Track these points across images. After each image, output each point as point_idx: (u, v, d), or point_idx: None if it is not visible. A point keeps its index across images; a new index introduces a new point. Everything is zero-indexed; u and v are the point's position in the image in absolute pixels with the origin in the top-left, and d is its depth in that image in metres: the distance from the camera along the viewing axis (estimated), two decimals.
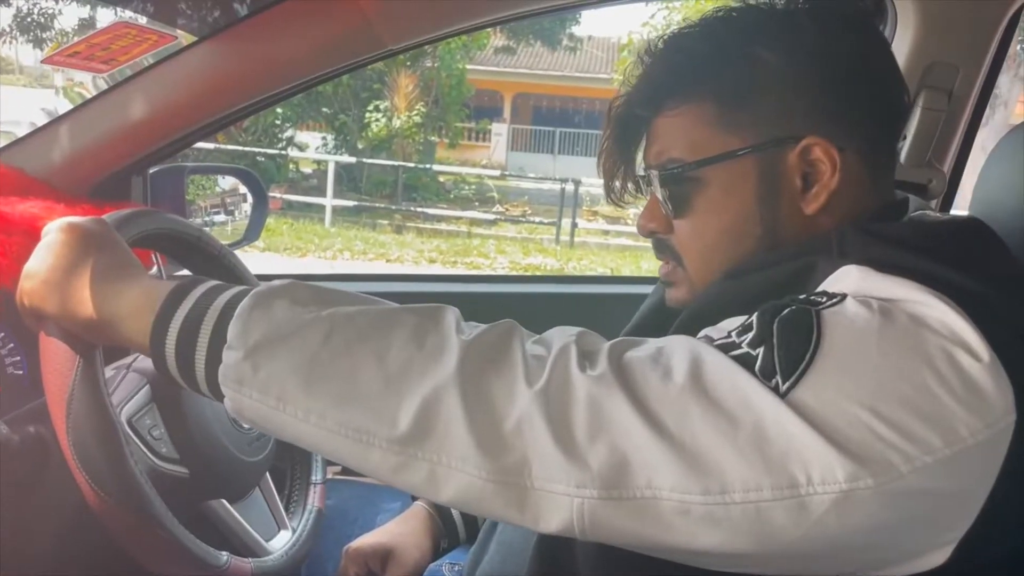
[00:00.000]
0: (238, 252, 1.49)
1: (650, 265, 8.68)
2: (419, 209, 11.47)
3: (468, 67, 14.48)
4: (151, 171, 1.25)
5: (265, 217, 1.56)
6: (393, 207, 11.46)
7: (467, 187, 13.11)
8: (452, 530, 1.04)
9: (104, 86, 1.18)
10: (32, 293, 0.71)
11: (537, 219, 11.16)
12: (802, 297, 0.61)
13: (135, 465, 0.71)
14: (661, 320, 0.96)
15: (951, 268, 0.61)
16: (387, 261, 8.44)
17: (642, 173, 0.83)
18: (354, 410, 0.57)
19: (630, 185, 0.85)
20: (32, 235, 0.84)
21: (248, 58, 1.07)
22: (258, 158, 11.71)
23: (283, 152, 12.47)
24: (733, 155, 0.73)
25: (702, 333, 0.63)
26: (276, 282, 0.65)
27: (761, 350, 0.56)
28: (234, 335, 0.61)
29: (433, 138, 14.07)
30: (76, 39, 1.04)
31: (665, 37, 0.78)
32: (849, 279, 0.62)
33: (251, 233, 1.53)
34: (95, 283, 0.69)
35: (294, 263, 8.03)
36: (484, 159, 17.11)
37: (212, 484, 0.86)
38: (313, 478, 1.01)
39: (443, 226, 10.95)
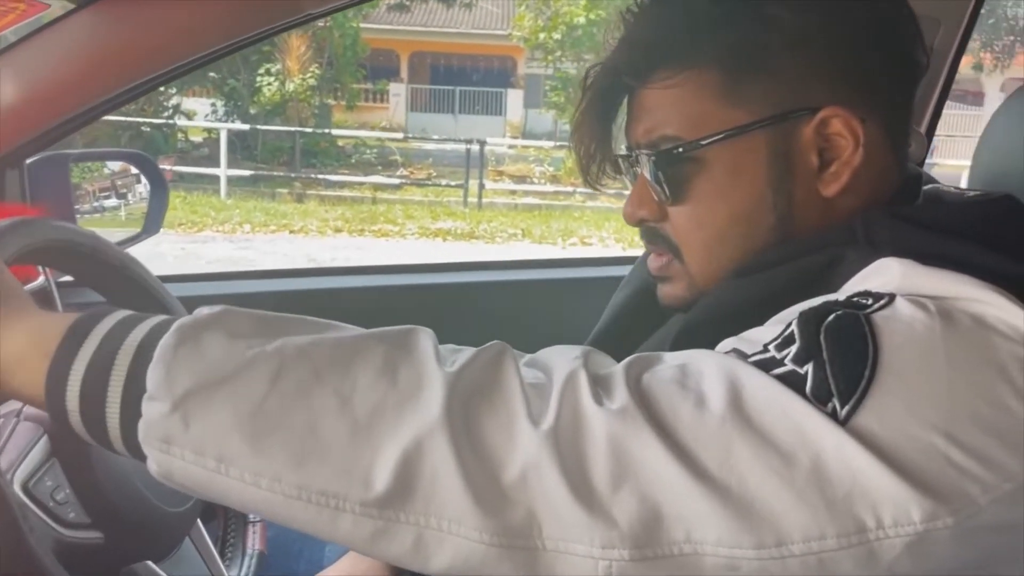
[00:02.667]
0: (137, 245, 1.33)
1: (561, 225, 8.67)
2: (320, 176, 11.09)
3: (362, 25, 13.99)
4: (28, 162, 1.07)
5: (166, 205, 1.40)
6: (292, 175, 11.05)
7: (368, 151, 12.74)
8: None
9: None
10: None
11: (444, 182, 10.97)
12: (843, 299, 0.53)
13: (36, 544, 0.57)
14: (644, 319, 0.87)
15: (1001, 256, 0.54)
16: (291, 232, 8.12)
17: (624, 152, 0.73)
18: (316, 469, 0.47)
19: (608, 167, 0.74)
20: None
21: (139, 27, 0.90)
22: (143, 128, 11.08)
23: (170, 121, 11.82)
24: (741, 131, 0.63)
25: (728, 345, 0.54)
26: (205, 310, 0.52)
27: (810, 368, 0.48)
28: (156, 382, 0.48)
29: (329, 101, 13.60)
30: None
31: None
32: (890, 274, 0.54)
33: (151, 225, 1.37)
34: None
35: (191, 239, 7.64)
36: (383, 121, 16.70)
37: (133, 546, 0.72)
38: (251, 515, 0.89)
39: (346, 192, 10.63)
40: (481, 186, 10.15)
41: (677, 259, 0.69)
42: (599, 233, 8.45)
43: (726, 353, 0.53)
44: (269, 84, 12.34)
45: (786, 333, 0.51)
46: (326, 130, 12.31)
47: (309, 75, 12.42)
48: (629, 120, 0.70)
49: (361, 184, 10.93)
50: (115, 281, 0.82)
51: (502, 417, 0.47)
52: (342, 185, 10.86)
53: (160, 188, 1.39)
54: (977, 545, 0.46)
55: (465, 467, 0.45)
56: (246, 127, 11.55)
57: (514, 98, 18.70)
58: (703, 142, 0.64)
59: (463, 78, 19.09)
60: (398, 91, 18.08)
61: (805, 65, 0.62)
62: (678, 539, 0.45)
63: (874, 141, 0.63)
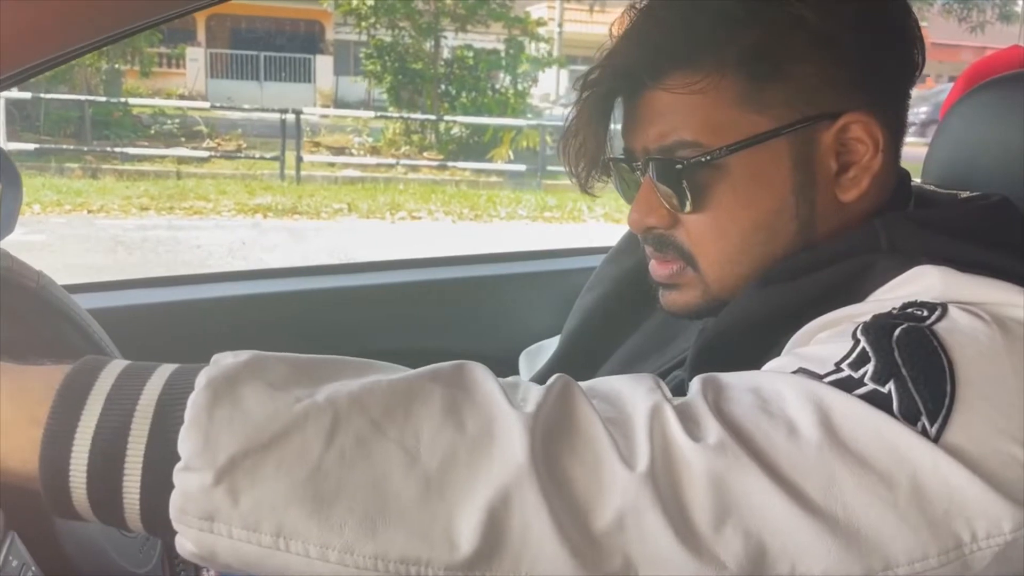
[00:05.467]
0: None
1: (387, 198, 8.51)
2: (116, 149, 10.15)
3: None
4: None
5: (20, 202, 1.21)
6: (85, 148, 10.03)
7: (169, 121, 11.81)
8: None
9: None
10: None
11: (257, 154, 10.41)
12: (897, 310, 0.54)
13: None
14: (617, 322, 0.85)
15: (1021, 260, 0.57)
16: (89, 212, 7.40)
17: (620, 156, 0.70)
18: (392, 534, 0.42)
19: (597, 171, 0.71)
20: None
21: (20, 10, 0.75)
22: None
23: None
24: (765, 137, 0.62)
25: (791, 365, 0.54)
26: (228, 358, 0.45)
27: (892, 386, 0.48)
28: (192, 450, 0.41)
29: (119, 66, 12.45)
30: None
31: None
32: (929, 282, 0.56)
33: (5, 224, 1.18)
34: None
35: None
36: (181, 88, 15.56)
37: None
38: None
39: (147, 167, 9.81)
40: (299, 159, 9.72)
41: (691, 267, 0.68)
42: (427, 206, 8.36)
43: (794, 373, 0.52)
44: None
45: (858, 350, 0.51)
46: (123, 99, 11.25)
47: None
48: (635, 124, 0.67)
49: (163, 157, 10.13)
50: (31, 306, 0.70)
51: (586, 459, 0.44)
52: (141, 159, 10.00)
53: (13, 183, 1.20)
54: None
55: (557, 517, 0.42)
56: (26, 95, 10.34)
57: (323, 65, 18.05)
58: (728, 149, 0.62)
59: (267, 43, 18.13)
60: (196, 56, 16.90)
61: (825, 68, 0.62)
62: (784, 573, 0.44)
63: (887, 144, 0.64)
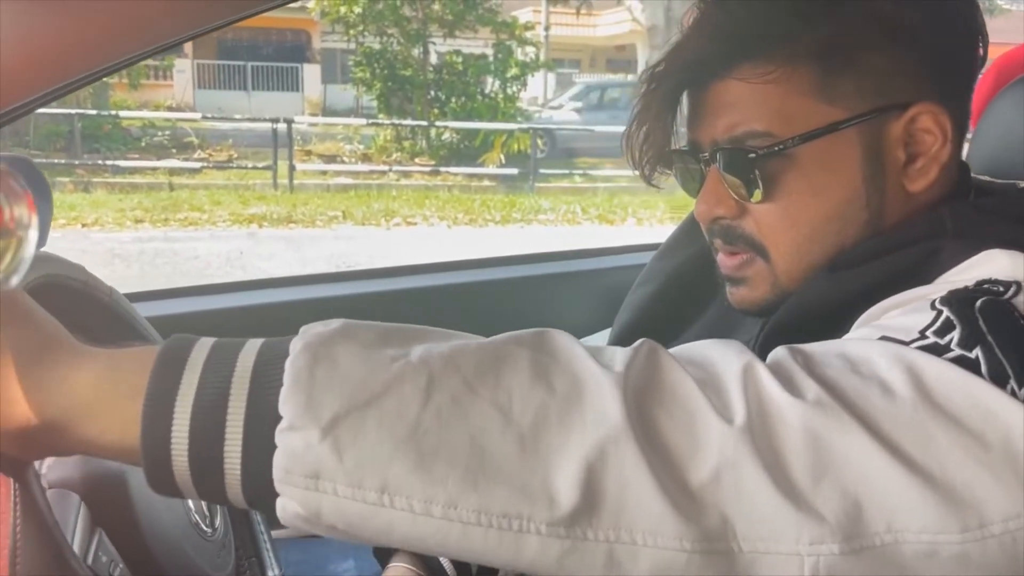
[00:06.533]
0: None
1: (381, 205, 8.50)
2: (107, 162, 10.11)
3: None
4: None
5: (51, 216, 1.22)
6: (76, 162, 10.00)
7: (160, 132, 11.78)
8: None
9: None
10: None
11: (249, 164, 10.39)
12: (971, 287, 0.55)
13: None
14: (670, 317, 0.86)
15: None
16: (83, 226, 7.38)
17: (685, 147, 0.71)
18: (493, 488, 0.42)
19: (660, 163, 0.72)
20: None
21: (78, 18, 0.76)
22: None
23: None
24: (837, 127, 0.63)
25: (875, 334, 0.54)
26: (318, 327, 0.46)
27: (979, 352, 0.49)
28: (296, 408, 0.42)
29: (107, 79, 12.41)
30: None
31: None
32: (999, 264, 0.57)
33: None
34: (25, 371, 0.44)
35: None
36: (169, 99, 15.51)
37: None
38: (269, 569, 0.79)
39: (139, 179, 9.79)
40: (291, 167, 9.70)
41: (760, 257, 0.68)
42: (421, 212, 8.37)
43: (879, 340, 0.53)
44: None
45: (941, 319, 0.52)
46: (114, 112, 11.19)
47: None
48: (702, 115, 0.68)
49: (155, 169, 10.11)
50: (103, 320, 0.70)
51: (680, 415, 0.45)
52: (133, 171, 9.98)
53: (44, 197, 1.20)
54: None
55: (655, 472, 0.43)
56: None
57: (311, 73, 18.03)
58: (800, 139, 0.63)
59: (253, 53, 18.10)
60: (183, 67, 16.86)
61: (898, 60, 0.63)
62: (879, 529, 0.45)
63: (954, 135, 0.65)
